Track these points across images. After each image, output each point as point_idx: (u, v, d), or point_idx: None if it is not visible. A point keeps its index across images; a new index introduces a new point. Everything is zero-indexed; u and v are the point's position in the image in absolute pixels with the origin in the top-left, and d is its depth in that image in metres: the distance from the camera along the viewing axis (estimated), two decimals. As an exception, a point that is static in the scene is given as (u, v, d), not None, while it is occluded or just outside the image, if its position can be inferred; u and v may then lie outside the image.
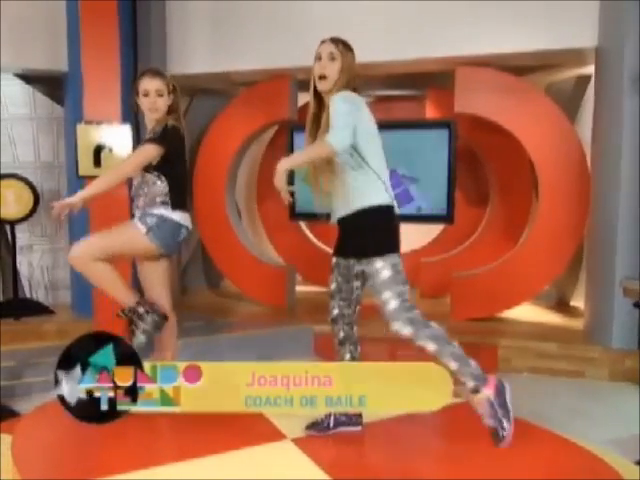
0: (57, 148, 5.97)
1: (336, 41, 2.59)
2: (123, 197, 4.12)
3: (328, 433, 2.65)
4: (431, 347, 2.50)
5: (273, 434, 2.67)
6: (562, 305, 6.50)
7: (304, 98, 6.50)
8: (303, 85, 6.20)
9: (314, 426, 2.67)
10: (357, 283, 2.67)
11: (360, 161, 2.49)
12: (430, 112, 6.63)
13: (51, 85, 5.80)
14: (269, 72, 5.85)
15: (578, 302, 6.30)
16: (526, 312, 5.95)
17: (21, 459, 2.47)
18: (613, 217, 4.81)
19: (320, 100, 2.61)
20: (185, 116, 6.91)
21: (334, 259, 2.67)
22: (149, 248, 2.83)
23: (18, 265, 5.66)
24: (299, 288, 6.58)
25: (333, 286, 2.68)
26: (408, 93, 7.15)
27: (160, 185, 2.84)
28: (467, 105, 5.36)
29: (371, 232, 2.52)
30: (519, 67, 5.63)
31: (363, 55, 5.23)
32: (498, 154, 6.29)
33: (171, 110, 2.91)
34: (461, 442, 2.60)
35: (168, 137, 2.83)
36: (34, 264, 5.96)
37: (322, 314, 6.29)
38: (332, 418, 2.66)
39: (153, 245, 2.82)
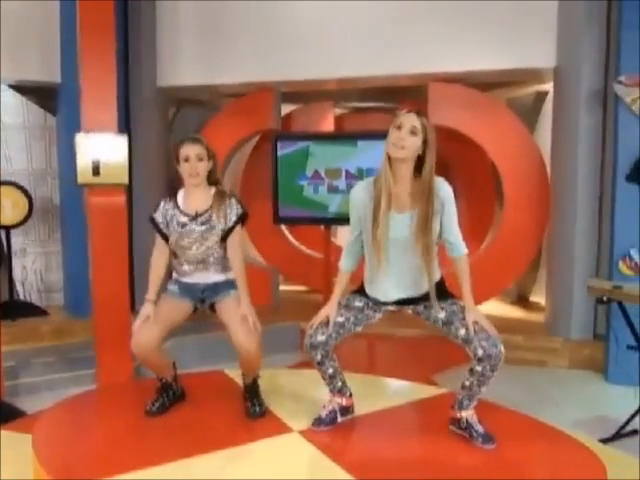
0: (49, 156, 6.15)
1: (420, 114, 2.51)
2: (120, 204, 4.37)
3: (335, 425, 2.75)
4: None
5: (280, 427, 2.76)
6: (523, 301, 6.96)
7: (286, 109, 6.89)
8: (286, 97, 6.57)
9: (321, 422, 2.73)
10: (359, 328, 2.68)
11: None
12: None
13: (43, 95, 5.96)
14: (255, 85, 6.16)
15: (537, 298, 6.80)
16: (491, 307, 6.34)
17: (44, 457, 2.48)
18: (572, 221, 5.26)
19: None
20: (171, 126, 7.08)
21: (362, 302, 2.65)
22: None
23: (12, 268, 5.83)
24: (280, 287, 6.87)
25: (339, 319, 2.60)
26: (384, 105, 7.52)
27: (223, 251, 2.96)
28: (439, 118, 5.78)
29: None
30: (484, 83, 6.09)
31: (343, 70, 5.65)
32: (462, 163, 6.68)
33: (211, 175, 2.93)
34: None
35: (245, 211, 2.97)
36: (28, 267, 6.15)
37: (306, 312, 6.57)
38: (337, 412, 2.76)
39: None
